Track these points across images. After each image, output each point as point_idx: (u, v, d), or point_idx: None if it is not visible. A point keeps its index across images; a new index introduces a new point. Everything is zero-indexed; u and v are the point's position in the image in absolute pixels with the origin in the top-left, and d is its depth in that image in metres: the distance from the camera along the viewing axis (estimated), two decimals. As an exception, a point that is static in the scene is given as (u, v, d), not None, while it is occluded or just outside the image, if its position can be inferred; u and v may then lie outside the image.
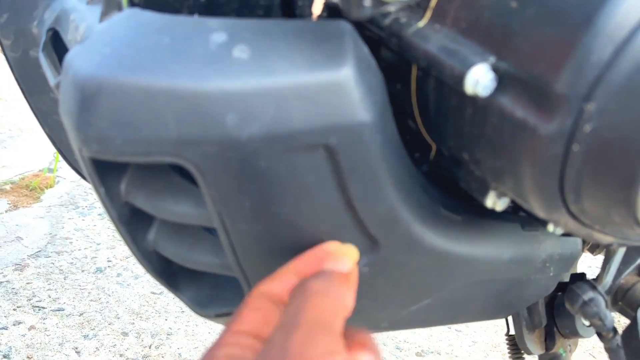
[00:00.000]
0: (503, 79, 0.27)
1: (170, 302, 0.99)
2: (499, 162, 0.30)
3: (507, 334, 0.59)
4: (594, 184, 0.27)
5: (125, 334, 0.88)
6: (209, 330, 0.95)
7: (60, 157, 0.47)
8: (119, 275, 1.05)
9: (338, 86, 0.29)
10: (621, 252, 0.47)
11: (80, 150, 0.31)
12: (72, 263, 1.08)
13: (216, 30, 0.29)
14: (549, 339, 0.56)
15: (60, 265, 1.06)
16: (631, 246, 0.49)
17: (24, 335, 0.84)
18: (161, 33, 0.29)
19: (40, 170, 1.54)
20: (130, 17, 0.30)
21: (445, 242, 0.38)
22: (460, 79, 0.28)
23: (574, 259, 0.49)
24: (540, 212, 0.30)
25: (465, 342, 1.00)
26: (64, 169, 1.52)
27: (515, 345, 0.59)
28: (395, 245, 0.36)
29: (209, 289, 0.40)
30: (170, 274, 0.40)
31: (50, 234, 1.19)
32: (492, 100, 0.28)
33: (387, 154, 0.32)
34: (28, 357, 0.80)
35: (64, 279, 1.02)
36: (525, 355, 0.60)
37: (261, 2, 0.34)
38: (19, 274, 1.01)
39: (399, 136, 0.35)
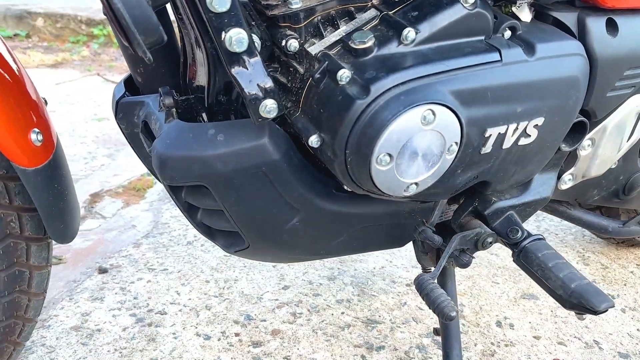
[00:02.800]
0: (323, 140, 0.65)
1: (236, 261, 1.43)
2: (334, 173, 0.69)
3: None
4: (358, 177, 0.64)
5: (207, 281, 1.34)
6: (262, 277, 1.38)
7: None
8: (202, 245, 1.51)
9: (261, 147, 0.68)
10: (442, 204, 0.82)
11: (161, 181, 0.73)
12: (170, 240, 1.55)
13: (210, 128, 0.70)
14: (437, 258, 0.93)
15: (163, 242, 1.54)
16: (467, 199, 0.85)
17: (144, 286, 1.31)
18: (188, 132, 0.70)
19: (142, 175, 2.04)
20: (176, 124, 0.71)
21: (337, 207, 0.76)
22: (307, 140, 0.66)
23: (430, 209, 0.84)
24: (354, 190, 0.68)
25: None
26: (158, 172, 2.01)
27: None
28: (309, 211, 0.75)
29: (229, 238, 0.82)
30: (210, 233, 0.81)
31: (154, 221, 1.68)
32: (320, 149, 0.66)
33: (292, 169, 0.71)
34: (148, 297, 1.27)
35: (166, 250, 1.49)
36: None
37: (232, 107, 0.74)
38: (137, 249, 1.50)
39: (301, 158, 0.73)
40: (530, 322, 1.21)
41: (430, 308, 0.70)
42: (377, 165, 0.62)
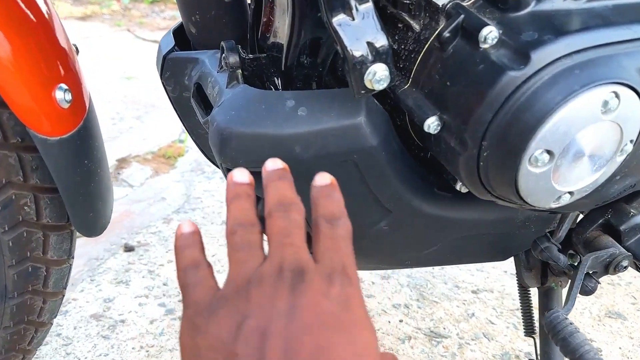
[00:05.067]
0: (444, 125, 0.48)
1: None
2: (451, 167, 0.51)
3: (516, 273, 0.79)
4: (494, 179, 0.47)
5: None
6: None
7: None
8: (237, 226, 1.36)
9: (355, 128, 0.51)
10: (572, 215, 0.65)
11: (220, 163, 0.56)
12: (204, 217, 1.40)
13: (289, 99, 0.53)
14: (543, 276, 0.75)
15: (195, 219, 1.39)
16: (593, 210, 0.67)
17: (175, 270, 1.17)
18: (260, 102, 0.53)
19: (172, 142, 1.89)
20: (244, 91, 0.54)
21: (438, 210, 0.59)
22: (421, 123, 0.49)
23: (550, 219, 0.67)
24: (475, 193, 0.51)
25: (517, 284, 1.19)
26: (190, 140, 1.86)
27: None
28: (403, 213, 0.58)
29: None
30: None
31: (186, 194, 1.53)
32: (439, 136, 0.49)
33: (390, 160, 0.54)
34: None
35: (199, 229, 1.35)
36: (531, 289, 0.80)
37: (316, 73, 0.56)
38: (167, 226, 1.35)
39: (401, 147, 0.56)
40: (620, 348, 1.04)
41: (567, 357, 0.53)
42: (529, 165, 0.44)
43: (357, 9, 0.45)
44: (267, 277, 0.33)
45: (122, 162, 1.70)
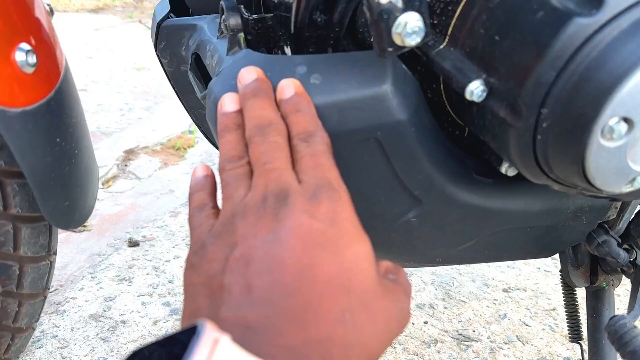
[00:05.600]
0: (491, 90, 0.39)
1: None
2: (497, 144, 0.42)
3: (560, 270, 0.70)
4: (555, 157, 0.38)
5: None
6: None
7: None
8: (249, 220, 1.28)
9: (380, 98, 0.42)
10: (634, 205, 0.55)
11: (217, 140, 0.48)
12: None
13: (300, 64, 0.44)
14: (592, 275, 0.66)
15: (204, 213, 1.31)
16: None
17: (181, 267, 1.09)
18: (265, 69, 0.44)
19: (182, 133, 1.82)
20: (246, 56, 0.46)
21: (477, 198, 0.50)
22: (462, 89, 0.40)
23: (605, 209, 0.58)
24: (527, 176, 0.42)
25: (551, 281, 1.09)
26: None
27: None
28: (435, 202, 0.49)
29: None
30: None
31: (194, 186, 1.45)
32: (485, 104, 0.40)
33: (421, 138, 0.45)
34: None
35: (208, 224, 1.27)
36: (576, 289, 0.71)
37: (332, 35, 0.48)
38: (174, 219, 1.27)
39: (434, 122, 0.47)
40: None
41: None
42: (602, 138, 0.35)
43: (383, -55, 0.36)
44: (251, 206, 0.33)
45: (130, 153, 1.63)
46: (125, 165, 1.56)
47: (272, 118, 0.37)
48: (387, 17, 0.37)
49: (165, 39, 0.59)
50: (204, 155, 1.64)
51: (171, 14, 0.59)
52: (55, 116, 0.40)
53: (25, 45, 0.36)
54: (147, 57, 2.50)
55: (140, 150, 1.66)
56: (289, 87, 0.40)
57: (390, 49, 0.38)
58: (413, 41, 0.38)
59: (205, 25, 0.55)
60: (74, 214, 0.43)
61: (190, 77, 0.57)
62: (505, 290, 1.05)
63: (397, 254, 0.56)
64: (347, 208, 0.34)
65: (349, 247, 0.32)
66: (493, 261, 0.62)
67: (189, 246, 1.25)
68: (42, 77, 0.39)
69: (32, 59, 0.37)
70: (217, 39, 0.53)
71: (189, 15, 0.61)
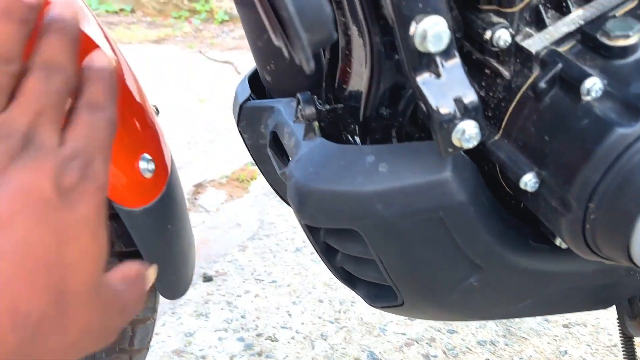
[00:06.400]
0: (543, 182, 0.44)
1: (352, 276, 1.25)
2: (550, 225, 0.47)
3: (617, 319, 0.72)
4: (602, 243, 0.42)
5: (321, 301, 1.17)
6: (383, 299, 1.19)
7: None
8: (312, 253, 1.35)
9: (441, 183, 0.48)
10: None
11: (298, 218, 0.55)
12: (277, 244, 1.40)
13: (368, 154, 0.50)
14: (650, 325, 0.68)
15: (270, 246, 1.39)
16: None
17: (252, 302, 1.17)
18: (338, 158, 0.51)
19: (245, 165, 1.92)
20: (321, 146, 0.53)
21: (534, 263, 0.55)
22: (517, 180, 0.45)
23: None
24: (579, 254, 0.47)
25: (612, 317, 1.10)
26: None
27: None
28: (495, 268, 0.54)
29: (375, 289, 0.63)
30: (350, 280, 0.63)
31: (260, 219, 1.54)
32: (538, 193, 0.45)
33: (480, 215, 0.50)
34: (257, 317, 1.12)
35: (274, 257, 1.34)
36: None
37: (396, 124, 0.54)
38: (242, 254, 1.36)
39: (492, 199, 0.52)
40: None
41: None
42: (645, 231, 0.39)
43: (443, 66, 0.42)
44: None
45: (199, 187, 1.74)
46: (195, 199, 1.66)
47: (69, 67, 0.30)
48: (447, 125, 0.42)
49: (246, 118, 0.67)
50: (266, 187, 1.73)
51: (252, 96, 0.67)
52: (167, 206, 0.48)
53: (146, 155, 0.45)
54: (208, 89, 2.63)
55: (208, 184, 1.76)
56: (102, 59, 0.32)
57: (450, 150, 0.44)
58: (470, 144, 0.43)
59: (282, 107, 0.62)
60: (180, 285, 0.51)
61: (269, 153, 0.64)
62: (565, 326, 1.07)
63: (460, 312, 0.61)
64: (95, 201, 0.28)
65: (81, 237, 0.27)
66: (552, 314, 0.66)
67: (257, 281, 1.31)
68: (157, 178, 0.47)
69: (151, 165, 0.45)
70: (294, 122, 0.60)
71: (265, 94, 0.69)
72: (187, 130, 2.19)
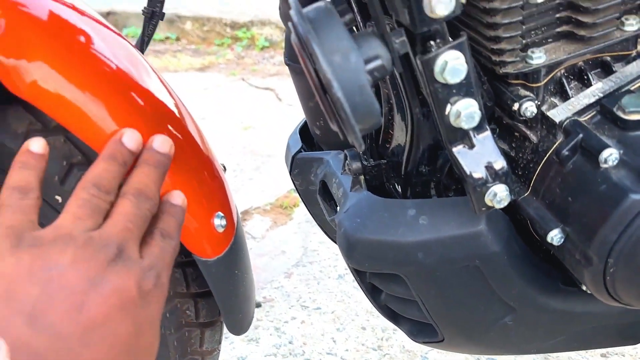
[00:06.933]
0: (567, 237, 0.49)
1: (393, 303, 1.30)
2: (575, 274, 0.52)
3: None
4: (622, 293, 0.47)
5: (363, 328, 1.23)
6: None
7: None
8: (354, 281, 1.41)
9: (476, 236, 0.54)
10: None
11: (347, 263, 0.62)
12: (321, 271, 1.47)
13: (410, 208, 0.57)
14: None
15: (314, 273, 1.46)
16: None
17: (298, 328, 1.23)
18: (383, 210, 0.58)
19: (288, 192, 2.00)
20: (367, 198, 0.59)
21: (564, 304, 0.60)
22: (544, 235, 0.50)
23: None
24: (603, 301, 0.51)
25: (653, 346, 1.12)
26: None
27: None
28: (527, 309, 0.59)
29: (418, 326, 0.69)
30: (394, 317, 0.69)
31: (303, 246, 1.61)
32: (563, 246, 0.50)
33: (513, 263, 0.56)
34: (304, 343, 1.19)
35: (318, 284, 1.41)
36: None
37: (434, 179, 0.60)
38: (288, 280, 1.43)
39: (524, 247, 0.58)
40: None
41: None
42: (660, 285, 0.45)
43: (475, 138, 0.48)
44: (94, 242, 0.34)
45: (245, 214, 1.83)
46: (243, 226, 1.75)
47: (154, 194, 0.39)
48: (480, 189, 0.49)
49: (298, 168, 0.74)
50: (308, 215, 1.81)
51: (303, 147, 0.74)
52: (234, 255, 0.56)
53: (220, 214, 0.52)
54: (252, 116, 2.74)
55: (254, 211, 1.85)
56: (178, 197, 0.42)
57: (484, 209, 0.50)
58: (501, 205, 0.49)
59: (331, 160, 0.69)
60: (245, 321, 0.58)
61: (319, 200, 0.72)
62: (603, 355, 1.09)
63: (496, 347, 0.66)
64: (160, 304, 0.37)
65: (150, 330, 0.36)
66: (583, 349, 0.70)
67: (303, 307, 1.39)
68: (228, 231, 0.54)
69: (224, 222, 0.53)
70: (341, 174, 0.67)
71: (314, 144, 0.77)
72: (234, 158, 2.29)
